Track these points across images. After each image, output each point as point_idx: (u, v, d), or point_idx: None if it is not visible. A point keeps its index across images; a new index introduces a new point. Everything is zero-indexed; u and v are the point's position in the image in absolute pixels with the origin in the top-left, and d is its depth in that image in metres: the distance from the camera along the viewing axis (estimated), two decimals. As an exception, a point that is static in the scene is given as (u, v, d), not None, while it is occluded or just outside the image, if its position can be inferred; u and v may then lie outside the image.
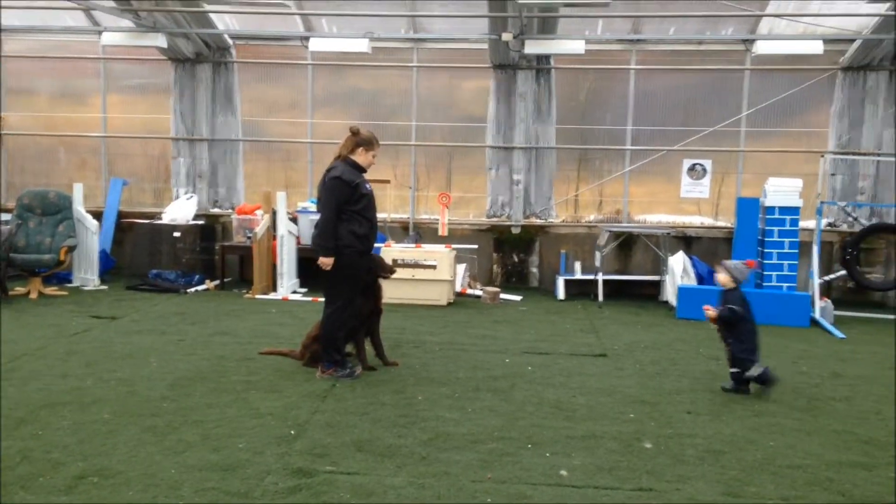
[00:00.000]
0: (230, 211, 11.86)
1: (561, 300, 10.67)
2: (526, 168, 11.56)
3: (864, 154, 10.61)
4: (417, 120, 11.83)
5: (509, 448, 4.87)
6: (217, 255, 11.39)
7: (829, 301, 9.64)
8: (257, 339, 7.76)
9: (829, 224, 10.68)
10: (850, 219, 10.77)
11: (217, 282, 10.99)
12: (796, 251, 9.83)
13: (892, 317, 9.90)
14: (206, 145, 12.05)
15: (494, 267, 11.75)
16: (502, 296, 10.65)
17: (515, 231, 11.59)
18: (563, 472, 4.50)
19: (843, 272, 9.93)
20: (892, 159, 10.52)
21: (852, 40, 10.33)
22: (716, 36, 10.99)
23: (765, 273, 9.91)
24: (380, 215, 11.86)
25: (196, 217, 11.63)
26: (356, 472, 4.38)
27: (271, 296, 10.35)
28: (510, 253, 11.73)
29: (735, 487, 4.39)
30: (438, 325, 8.84)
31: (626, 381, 6.56)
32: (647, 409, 5.81)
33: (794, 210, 9.84)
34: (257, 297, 10.28)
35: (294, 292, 10.63)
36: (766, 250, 9.92)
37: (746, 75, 11.03)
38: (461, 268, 10.78)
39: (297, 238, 10.87)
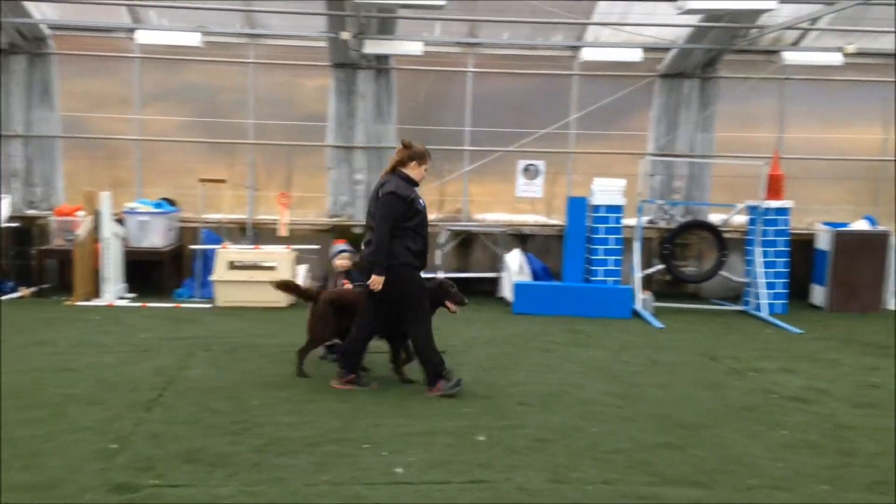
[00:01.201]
0: (48, 212, 11.09)
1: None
2: (367, 167, 11.57)
3: (680, 156, 11.42)
4: (256, 118, 11.56)
5: (347, 449, 4.87)
6: (34, 260, 10.63)
7: (650, 293, 10.31)
8: (78, 349, 7.32)
9: (649, 221, 11.41)
10: (668, 216, 11.56)
11: (34, 288, 10.26)
12: (620, 247, 10.44)
13: (705, 307, 10.72)
14: (20, 142, 11.21)
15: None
16: (344, 296, 10.60)
17: (357, 231, 11.58)
18: (399, 470, 4.56)
19: (661, 266, 10.65)
20: (704, 161, 11.39)
21: (668, 49, 11.09)
22: (546, 42, 11.47)
23: (592, 268, 10.46)
24: (215, 216, 11.64)
25: (10, 219, 10.79)
26: (183, 485, 4.23)
27: (95, 302, 9.78)
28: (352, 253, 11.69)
29: (561, 474, 4.61)
30: (278, 327, 8.69)
31: (464, 377, 6.72)
32: (482, 403, 5.99)
33: (617, 208, 10.44)
34: (79, 303, 9.68)
35: (121, 298, 10.10)
36: (593, 246, 10.47)
37: (575, 80, 11.58)
38: (302, 269, 10.65)
39: (125, 241, 10.33)
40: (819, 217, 11.51)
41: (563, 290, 10.04)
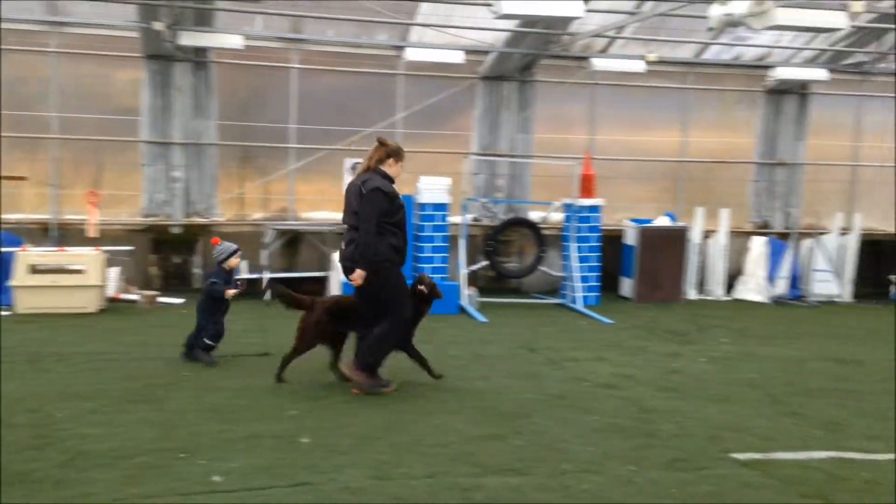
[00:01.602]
0: None
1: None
2: (185, 164, 11.08)
3: (501, 155, 11.83)
4: (60, 111, 10.75)
5: (161, 460, 4.64)
6: None
7: (475, 289, 10.60)
8: None
9: (474, 219, 11.74)
10: (491, 214, 11.94)
11: None
12: (447, 244, 10.66)
13: (526, 301, 11.17)
14: None
15: (152, 269, 11.11)
16: (161, 299, 10.11)
17: (176, 231, 11.07)
18: (217, 478, 4.40)
19: (485, 262, 10.99)
20: (524, 160, 11.86)
21: (488, 52, 11.45)
22: (371, 41, 11.49)
23: (420, 266, 10.60)
24: (15, 216, 10.69)
25: None
26: (-26, 509, 3.87)
27: None
28: (170, 254, 11.18)
29: (385, 471, 4.63)
30: (86, 334, 8.14)
31: (290, 377, 6.60)
32: (307, 404, 5.91)
33: (443, 206, 10.66)
34: None
35: None
36: (420, 244, 10.62)
37: (400, 80, 11.69)
38: (114, 271, 10.03)
39: None
40: (627, 214, 12.31)
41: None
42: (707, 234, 12.02)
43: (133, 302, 10.01)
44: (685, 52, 12.00)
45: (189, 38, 10.07)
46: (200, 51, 10.86)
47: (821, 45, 11.50)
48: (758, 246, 12.06)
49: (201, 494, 4.18)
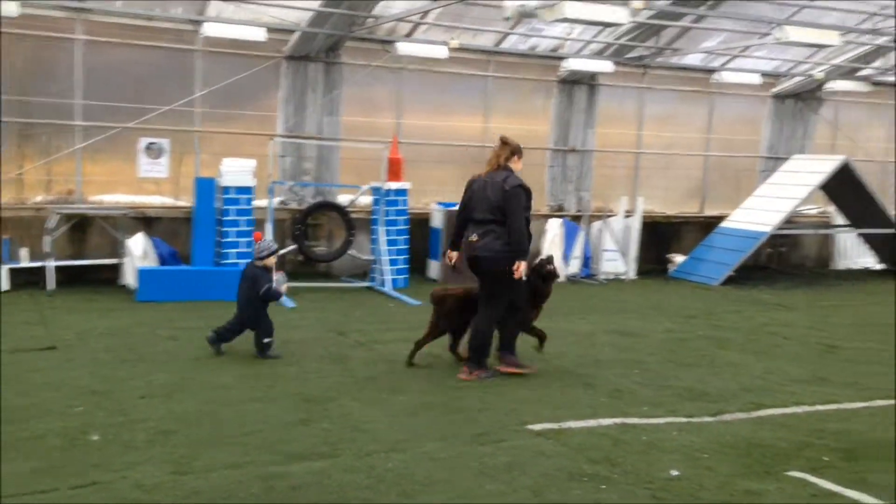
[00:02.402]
0: None
1: (6, 291, 9.53)
2: (-48, 142, 9.96)
3: (308, 138, 11.64)
4: None
5: (-76, 470, 4.17)
6: None
7: (283, 273, 10.38)
8: None
9: (281, 202, 11.48)
10: (299, 197, 11.73)
11: None
12: (252, 229, 10.36)
13: (336, 285, 11.12)
14: None
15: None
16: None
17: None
18: (-8, 486, 4.03)
19: (293, 247, 10.80)
20: (331, 143, 11.76)
21: (293, 31, 11.20)
22: (165, 14, 10.87)
23: (223, 251, 10.24)
24: None
25: None
26: None
27: None
28: (-64, 241, 10.03)
29: (183, 464, 4.45)
30: None
31: (77, 373, 6.17)
32: (97, 399, 5.54)
33: (248, 190, 10.34)
34: None
35: None
36: (224, 229, 10.24)
37: (199, 56, 11.16)
38: None
39: None
40: (434, 197, 12.57)
41: (192, 274, 9.69)
42: (508, 217, 12.52)
43: None
44: (486, 41, 12.40)
45: (-47, 1, 9.04)
46: (-32, 16, 9.76)
47: (606, 38, 12.29)
48: (554, 228, 12.74)
49: (-28, 505, 3.81)
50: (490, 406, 5.87)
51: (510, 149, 6.61)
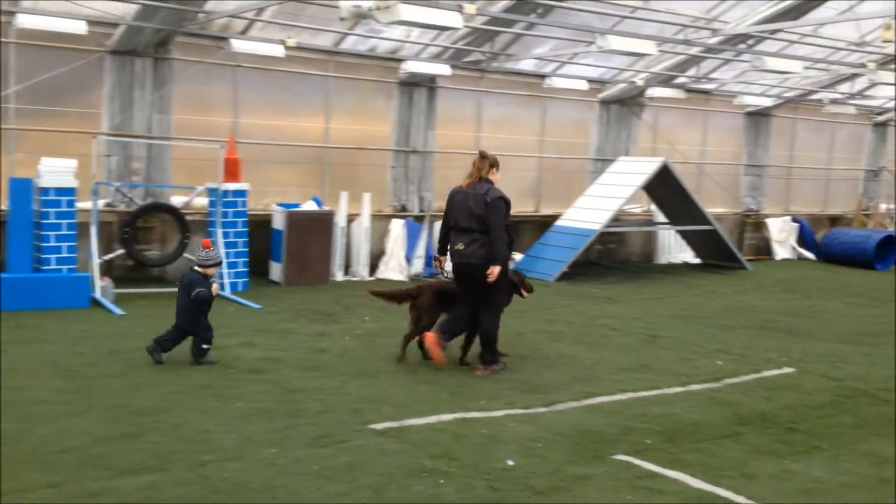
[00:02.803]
0: None
1: None
2: None
3: (136, 136, 11.06)
4: None
5: None
6: None
7: (109, 280, 9.84)
8: None
9: (107, 204, 10.84)
10: (127, 199, 11.13)
11: None
12: (75, 232, 9.72)
13: (170, 290, 10.61)
14: None
15: None
16: None
17: None
18: None
19: (122, 251, 10.24)
20: (163, 142, 11.24)
21: (117, 24, 10.60)
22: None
23: (43, 256, 9.55)
24: None
25: None
26: None
27: None
28: None
29: (-5, 488, 4.12)
30: None
31: None
32: None
33: (69, 191, 9.69)
34: None
35: None
36: (43, 233, 9.56)
37: (12, 49, 10.34)
38: None
39: None
40: (274, 199, 12.31)
41: (7, 282, 8.96)
42: (351, 218, 12.49)
43: None
44: (325, 41, 12.28)
45: None
46: None
47: (444, 42, 12.51)
48: (397, 228, 12.84)
49: None
50: (331, 408, 5.83)
51: (489, 162, 7.02)
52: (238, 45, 11.06)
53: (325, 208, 12.11)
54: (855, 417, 6.10)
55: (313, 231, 11.65)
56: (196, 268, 7.11)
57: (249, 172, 11.33)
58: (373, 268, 12.64)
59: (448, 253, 7.27)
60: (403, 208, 13.54)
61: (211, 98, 11.95)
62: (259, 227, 11.61)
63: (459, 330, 7.22)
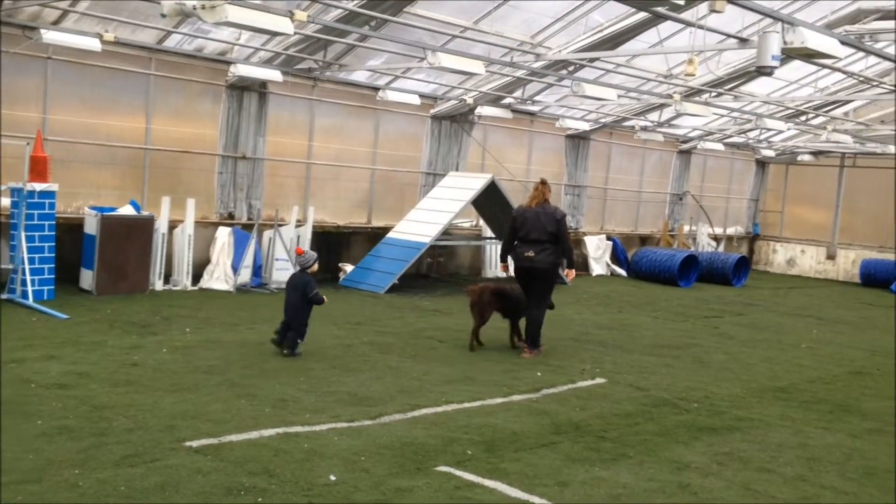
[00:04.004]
0: None
1: None
2: None
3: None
4: None
5: None
6: None
7: None
8: None
9: None
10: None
11: None
12: None
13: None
14: None
15: None
16: None
17: None
18: None
19: None
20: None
21: None
22: None
23: None
24: None
25: None
26: None
27: None
28: None
29: None
30: None
31: None
32: None
33: None
34: None
35: None
36: None
37: None
38: None
39: None
40: (87, 201, 11.54)
41: None
42: (174, 224, 11.92)
43: None
44: (147, 37, 11.67)
45: None
46: None
47: (276, 48, 12.26)
48: (223, 236, 12.40)
49: None
50: (143, 425, 5.51)
51: (548, 187, 8.86)
52: (49, 36, 10.27)
53: (145, 213, 11.48)
54: (658, 425, 6.54)
55: (131, 237, 11.02)
56: (302, 272, 8.15)
57: (60, 172, 10.57)
58: (196, 277, 12.13)
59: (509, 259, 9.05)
60: (231, 216, 13.12)
61: (17, 91, 11.00)
62: (69, 232, 10.85)
63: (538, 327, 8.87)
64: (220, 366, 7.35)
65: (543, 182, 8.90)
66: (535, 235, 8.62)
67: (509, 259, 9.08)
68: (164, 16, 7.80)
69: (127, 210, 11.30)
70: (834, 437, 6.54)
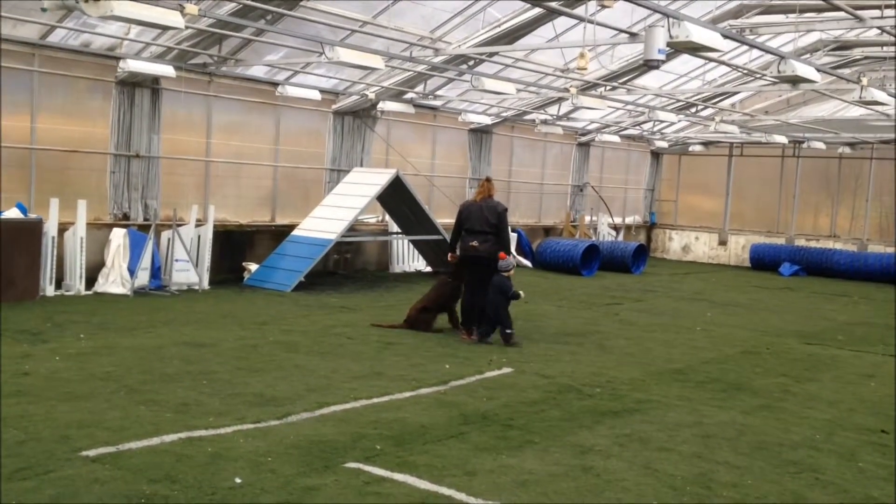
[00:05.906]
0: None
1: None
2: None
3: None
4: None
5: None
6: None
7: None
8: None
9: None
10: None
11: None
12: None
13: None
14: None
15: None
16: None
17: None
18: None
19: None
20: None
21: None
22: None
23: None
24: None
25: None
26: None
27: None
28: None
29: None
30: None
31: None
32: None
33: None
34: None
35: None
36: None
37: None
38: None
39: None
40: (-33, 205, 10.91)
41: None
42: (64, 227, 11.41)
43: None
44: (29, 32, 11.11)
45: None
46: None
47: (167, 42, 11.88)
48: (118, 238, 11.95)
49: None
50: (35, 436, 5.27)
51: (491, 185, 9.64)
52: (-81, 29, 9.66)
53: (33, 216, 10.95)
54: (563, 411, 6.70)
55: (18, 241, 10.50)
56: (503, 273, 9.30)
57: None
58: (91, 281, 11.65)
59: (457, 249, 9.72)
60: (125, 217, 12.65)
61: None
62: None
63: (474, 318, 9.48)
64: (117, 372, 7.09)
65: (488, 179, 9.89)
66: (479, 227, 9.45)
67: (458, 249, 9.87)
68: (44, 10, 7.44)
69: (13, 213, 10.76)
70: (727, 414, 6.86)
